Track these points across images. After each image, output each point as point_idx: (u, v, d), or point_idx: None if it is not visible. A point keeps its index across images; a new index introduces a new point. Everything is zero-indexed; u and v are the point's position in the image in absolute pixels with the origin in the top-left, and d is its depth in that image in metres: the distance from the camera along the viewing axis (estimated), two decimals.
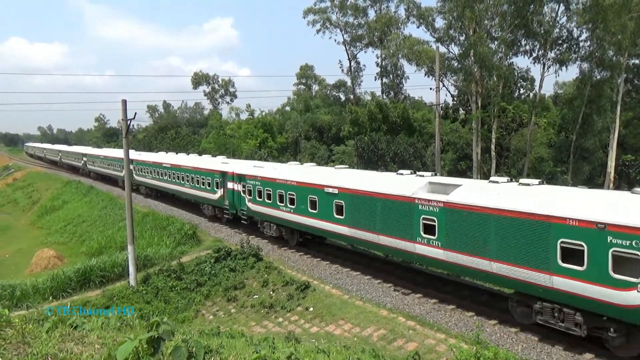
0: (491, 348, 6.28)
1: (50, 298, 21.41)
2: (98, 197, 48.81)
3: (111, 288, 22.37)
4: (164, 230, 31.27)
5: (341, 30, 68.14)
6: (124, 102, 22.54)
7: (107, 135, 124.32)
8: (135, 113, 22.77)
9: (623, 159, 48.29)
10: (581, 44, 41.34)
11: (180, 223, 31.45)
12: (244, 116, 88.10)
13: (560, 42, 41.68)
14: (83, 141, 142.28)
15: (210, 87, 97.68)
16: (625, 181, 49.78)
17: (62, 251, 36.57)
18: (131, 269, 22.27)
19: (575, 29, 41.19)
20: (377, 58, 68.96)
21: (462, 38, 41.43)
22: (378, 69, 68.33)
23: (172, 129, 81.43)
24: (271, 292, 19.96)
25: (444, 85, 51.66)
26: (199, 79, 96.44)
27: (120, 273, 23.76)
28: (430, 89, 41.51)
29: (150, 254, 25.77)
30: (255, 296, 20.05)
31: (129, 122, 22.70)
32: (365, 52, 74.46)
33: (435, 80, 35.64)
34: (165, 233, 30.50)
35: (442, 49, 42.66)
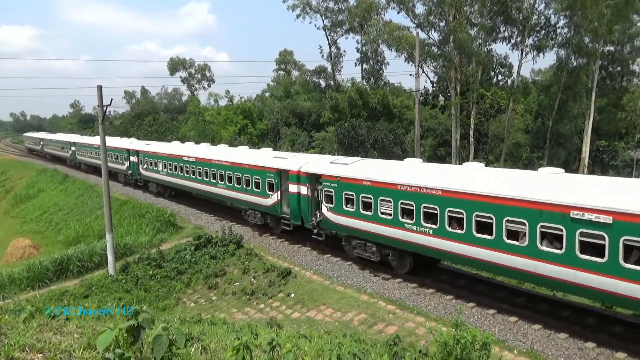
0: (470, 330, 6.41)
1: (27, 289, 21.09)
2: (74, 185, 47.90)
3: (90, 277, 22.11)
4: (142, 218, 30.91)
5: (321, 16, 67.56)
6: (100, 87, 22.07)
7: (82, 122, 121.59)
8: (112, 99, 22.43)
9: (597, 144, 49.42)
10: (558, 30, 41.92)
11: (159, 210, 31.11)
12: (222, 102, 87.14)
13: (538, 28, 42.17)
14: (58, 128, 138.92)
15: (187, 73, 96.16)
16: (598, 166, 50.99)
17: (38, 240, 35.94)
18: (110, 257, 21.99)
19: (553, 16, 41.73)
20: (358, 44, 68.73)
21: (442, 24, 41.64)
22: (358, 55, 68.19)
23: (150, 116, 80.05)
24: (252, 279, 19.98)
25: (423, 72, 51.93)
26: (175, 65, 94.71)
27: (99, 262, 23.48)
28: (410, 75, 41.66)
29: (130, 242, 25.53)
30: (237, 283, 20.04)
31: (105, 109, 22.29)
32: (346, 38, 74.31)
33: (415, 66, 35.72)
34: (144, 221, 30.16)
35: (422, 35, 42.81)
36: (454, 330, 6.53)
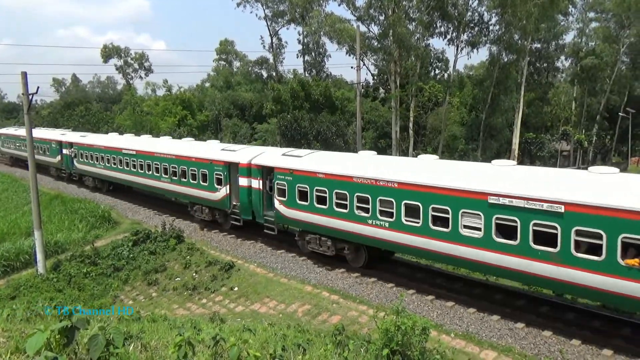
0: (410, 316, 6.63)
1: None
2: None
3: (17, 277, 20.84)
4: (75, 213, 29.33)
5: (262, 5, 66.75)
6: (24, 74, 20.67)
7: (5, 112, 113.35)
8: (38, 87, 21.03)
9: (526, 136, 52.42)
10: (491, 27, 43.86)
11: (93, 205, 29.71)
12: (160, 92, 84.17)
13: (472, 25, 43.89)
14: None
15: (122, 61, 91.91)
16: (527, 157, 54.09)
17: None
18: (39, 256, 20.79)
19: (486, 13, 43.56)
20: (299, 35, 68.56)
21: (381, 18, 42.29)
22: (300, 47, 68.05)
23: (82, 105, 75.84)
24: (194, 274, 19.56)
25: (364, 65, 52.70)
26: (109, 52, 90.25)
27: (27, 261, 22.17)
28: (352, 67, 41.99)
29: (61, 240, 24.25)
30: (178, 278, 19.56)
31: (31, 97, 20.91)
32: (287, 28, 73.48)
33: (356, 59, 36.14)
34: (77, 217, 28.64)
35: (363, 28, 43.34)
36: (395, 317, 6.73)
